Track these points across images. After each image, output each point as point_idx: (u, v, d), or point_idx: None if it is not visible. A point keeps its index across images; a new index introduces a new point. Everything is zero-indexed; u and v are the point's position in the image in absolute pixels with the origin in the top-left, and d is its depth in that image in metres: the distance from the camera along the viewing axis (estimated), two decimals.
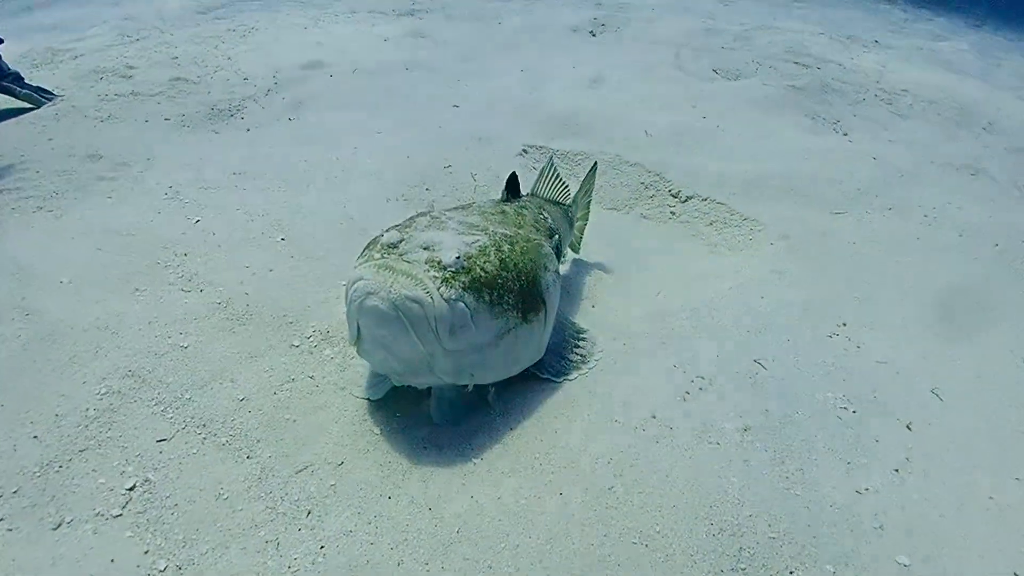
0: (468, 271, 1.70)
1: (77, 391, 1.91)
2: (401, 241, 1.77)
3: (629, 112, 4.48)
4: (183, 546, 1.55)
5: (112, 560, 1.52)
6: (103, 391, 1.91)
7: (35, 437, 1.78)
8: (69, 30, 6.15)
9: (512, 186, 2.31)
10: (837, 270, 3.05)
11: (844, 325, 2.67)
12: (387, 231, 1.82)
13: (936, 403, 2.25)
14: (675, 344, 2.39)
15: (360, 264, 1.71)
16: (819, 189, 3.69)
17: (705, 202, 3.74)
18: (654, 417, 1.93)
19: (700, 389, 2.11)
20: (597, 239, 3.39)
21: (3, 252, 2.43)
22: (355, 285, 1.63)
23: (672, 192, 3.84)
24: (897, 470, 1.92)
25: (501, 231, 1.95)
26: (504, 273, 1.78)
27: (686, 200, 3.79)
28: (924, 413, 2.18)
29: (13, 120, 3.82)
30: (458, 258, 1.69)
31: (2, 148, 3.39)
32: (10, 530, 1.55)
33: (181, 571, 1.50)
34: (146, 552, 1.54)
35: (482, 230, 1.93)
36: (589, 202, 3.09)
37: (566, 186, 2.78)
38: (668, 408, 1.98)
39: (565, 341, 2.18)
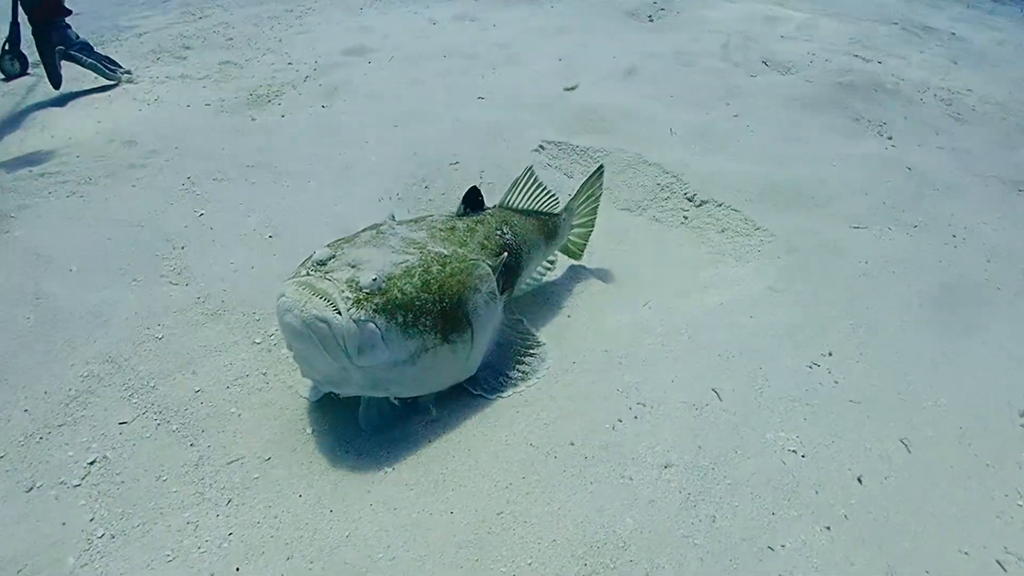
0: (384, 292, 1.77)
1: (66, 372, 2.16)
2: (331, 258, 1.86)
3: (657, 108, 4.32)
4: (120, 518, 1.75)
5: (63, 523, 1.73)
6: (85, 374, 2.16)
7: (26, 411, 2.04)
8: (137, 5, 6.60)
9: (471, 200, 2.33)
10: (839, 292, 2.85)
11: (830, 355, 2.51)
12: (323, 247, 1.92)
13: (902, 455, 2.07)
14: (632, 364, 2.34)
15: (288, 279, 1.82)
16: (842, 199, 3.43)
17: (720, 207, 3.58)
18: (572, 444, 1.93)
19: (635, 417, 2.07)
20: (603, 242, 3.29)
21: (30, 237, 2.74)
22: (278, 301, 1.75)
23: (687, 195, 3.70)
24: (829, 527, 1.78)
25: (437, 250, 2.00)
26: (424, 295, 1.84)
27: (700, 204, 3.64)
28: (882, 466, 2.01)
29: (71, 102, 4.20)
30: (375, 280, 1.76)
31: (56, 129, 3.76)
32: None
33: (114, 539, 1.70)
34: (91, 520, 1.75)
35: (419, 247, 1.98)
36: (595, 208, 2.98)
37: (551, 195, 2.74)
38: (591, 435, 1.97)
39: (508, 358, 2.21)
